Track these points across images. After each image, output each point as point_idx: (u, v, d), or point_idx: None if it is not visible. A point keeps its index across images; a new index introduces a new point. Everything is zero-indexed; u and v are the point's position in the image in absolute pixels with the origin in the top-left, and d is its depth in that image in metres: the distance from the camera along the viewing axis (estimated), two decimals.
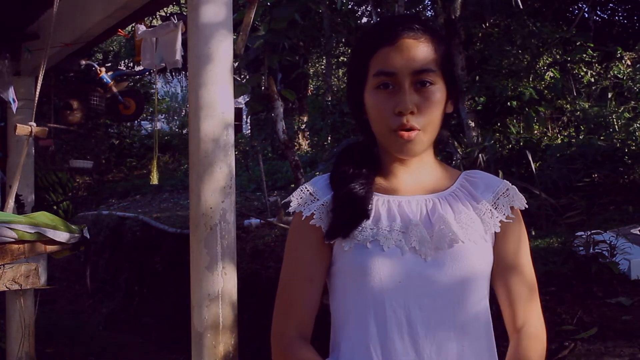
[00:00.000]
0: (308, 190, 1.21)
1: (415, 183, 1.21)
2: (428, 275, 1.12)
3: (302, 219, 1.18)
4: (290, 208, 1.21)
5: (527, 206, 1.23)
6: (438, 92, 1.14)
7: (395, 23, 1.16)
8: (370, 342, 1.12)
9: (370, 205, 1.16)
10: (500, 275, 1.21)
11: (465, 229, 1.15)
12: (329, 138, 10.55)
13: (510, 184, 1.24)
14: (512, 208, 1.21)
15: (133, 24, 4.40)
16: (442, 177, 1.23)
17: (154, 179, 3.92)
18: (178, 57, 3.76)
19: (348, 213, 1.15)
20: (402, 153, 1.16)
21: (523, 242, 1.23)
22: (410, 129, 1.12)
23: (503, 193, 1.22)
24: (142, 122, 14.13)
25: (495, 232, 1.19)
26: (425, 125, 1.13)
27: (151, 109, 12.45)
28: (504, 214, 1.20)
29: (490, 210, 1.19)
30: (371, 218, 1.15)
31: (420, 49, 1.13)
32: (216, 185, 2.45)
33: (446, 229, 1.13)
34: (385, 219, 1.15)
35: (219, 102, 2.48)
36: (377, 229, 1.14)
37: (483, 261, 1.17)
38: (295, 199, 1.21)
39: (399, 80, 1.12)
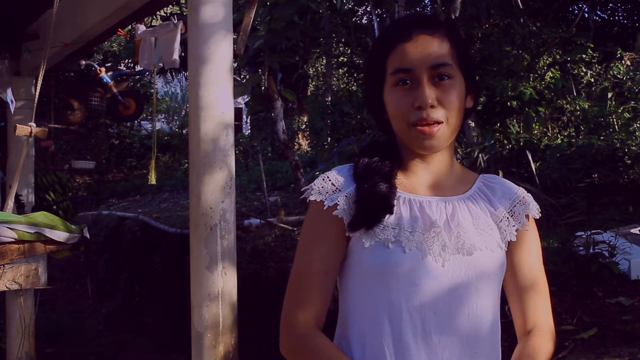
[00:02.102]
0: (330, 180, 1.18)
1: (435, 183, 1.20)
2: (445, 280, 1.12)
3: (324, 208, 1.15)
4: (310, 196, 1.17)
5: (540, 215, 1.24)
6: (457, 85, 1.14)
7: (409, 21, 1.16)
8: (384, 342, 1.11)
9: (394, 201, 1.15)
10: (513, 282, 1.22)
11: (483, 236, 1.16)
12: (329, 138, 10.54)
13: (526, 192, 1.25)
14: (526, 216, 1.22)
15: (133, 24, 4.39)
16: (461, 180, 1.23)
17: (152, 179, 3.92)
18: (176, 56, 3.75)
19: (373, 206, 1.13)
20: (423, 148, 1.15)
21: (537, 250, 1.24)
22: (433, 123, 1.11)
23: (519, 201, 1.22)
24: (142, 122, 14.13)
25: (510, 240, 1.20)
26: (447, 118, 1.12)
27: (151, 109, 12.44)
28: (520, 223, 1.21)
29: (508, 218, 1.20)
30: (393, 215, 1.14)
31: (436, 43, 1.13)
32: (216, 185, 2.45)
33: (465, 235, 1.14)
34: (407, 218, 1.14)
35: (218, 102, 2.48)
36: (399, 229, 1.12)
37: (498, 269, 1.17)
38: (317, 188, 1.17)
39: (416, 75, 1.12)
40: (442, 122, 1.12)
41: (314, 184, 1.18)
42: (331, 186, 1.17)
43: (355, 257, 1.15)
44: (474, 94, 1.21)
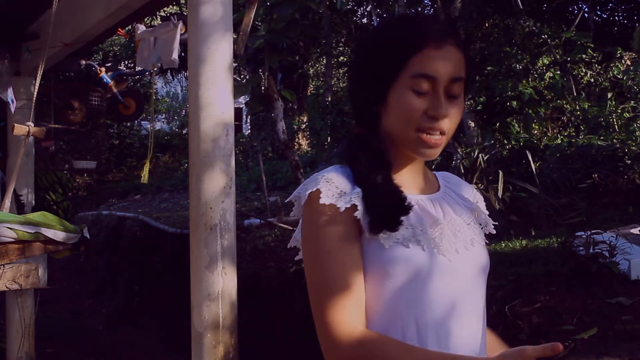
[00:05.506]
0: (334, 183, 1.14)
1: (418, 182, 1.22)
2: (454, 275, 1.13)
3: (341, 210, 1.10)
4: (320, 200, 1.11)
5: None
6: (462, 101, 1.16)
7: (439, 26, 1.15)
8: (408, 341, 1.10)
9: (407, 201, 1.14)
10: None
11: (474, 231, 1.19)
12: (329, 138, 10.54)
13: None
14: None
15: (133, 24, 4.40)
16: (430, 178, 1.26)
17: (145, 178, 3.92)
18: (174, 56, 3.74)
19: (392, 207, 1.12)
20: (421, 155, 1.16)
21: None
22: (438, 134, 1.13)
23: (474, 194, 1.30)
24: (142, 122, 14.14)
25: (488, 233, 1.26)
26: (451, 131, 1.15)
27: (151, 109, 12.44)
28: (485, 214, 1.28)
29: (479, 211, 1.26)
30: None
31: (459, 58, 1.14)
32: (216, 185, 2.45)
33: (464, 231, 1.16)
34: (413, 217, 1.14)
35: (218, 102, 2.48)
36: (413, 228, 1.12)
37: (488, 262, 1.21)
38: (324, 191, 1.12)
39: (437, 85, 1.12)
40: (445, 134, 1.14)
41: (320, 187, 1.13)
42: (335, 188, 1.13)
43: (372, 258, 1.12)
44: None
